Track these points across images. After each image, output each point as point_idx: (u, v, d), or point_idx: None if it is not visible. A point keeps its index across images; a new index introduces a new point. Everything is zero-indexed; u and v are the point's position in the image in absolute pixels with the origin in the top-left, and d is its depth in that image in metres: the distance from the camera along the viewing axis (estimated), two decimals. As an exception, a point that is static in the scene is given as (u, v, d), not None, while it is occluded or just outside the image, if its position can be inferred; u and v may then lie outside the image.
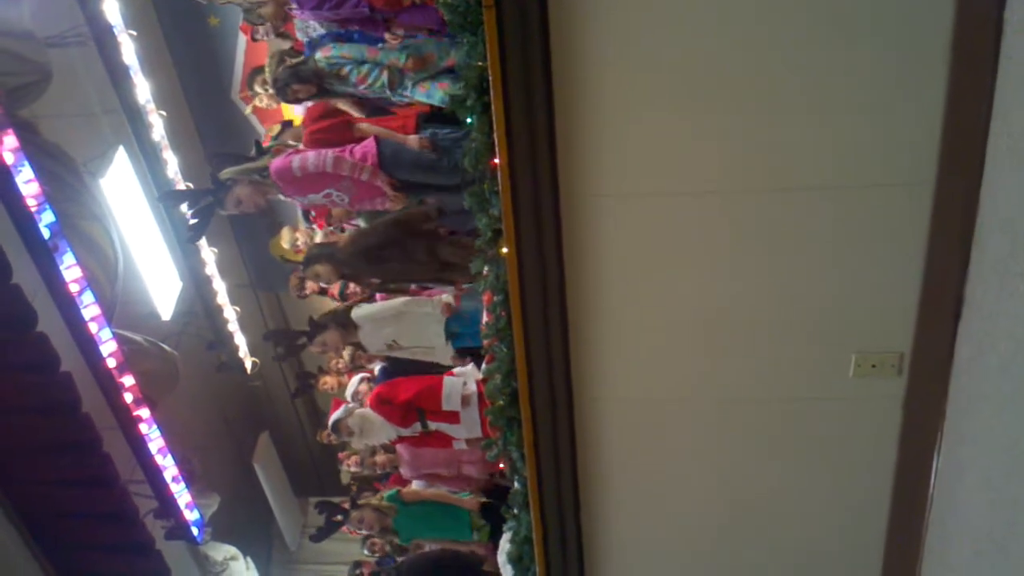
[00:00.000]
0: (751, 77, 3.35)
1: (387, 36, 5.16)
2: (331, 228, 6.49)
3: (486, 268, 4.10)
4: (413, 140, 5.00)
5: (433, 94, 4.95)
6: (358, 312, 5.63)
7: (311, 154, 5.06)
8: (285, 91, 5.34)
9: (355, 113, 5.42)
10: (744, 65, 3.33)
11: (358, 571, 7.26)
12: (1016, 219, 2.95)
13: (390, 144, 5.02)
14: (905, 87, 3.29)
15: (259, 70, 6.13)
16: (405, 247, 5.30)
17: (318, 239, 6.80)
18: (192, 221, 5.27)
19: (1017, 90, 2.94)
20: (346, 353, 7.29)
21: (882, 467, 4.03)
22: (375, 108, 5.44)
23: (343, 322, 5.61)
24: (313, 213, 6.81)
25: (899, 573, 4.18)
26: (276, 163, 5.09)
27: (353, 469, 7.12)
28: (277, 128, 6.56)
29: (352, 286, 6.46)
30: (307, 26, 5.56)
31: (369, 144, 5.00)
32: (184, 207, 5.36)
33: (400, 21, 5.19)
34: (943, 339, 3.57)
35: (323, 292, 7.13)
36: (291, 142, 5.78)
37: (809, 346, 3.83)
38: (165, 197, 6.53)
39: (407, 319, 5.51)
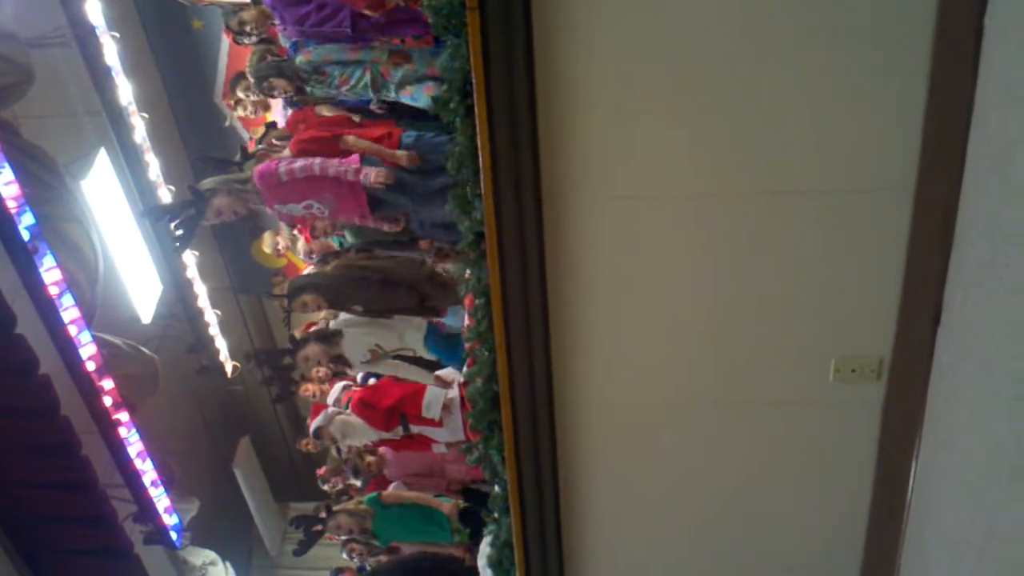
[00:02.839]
0: (734, 82, 3.36)
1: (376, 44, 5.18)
2: (317, 239, 6.45)
3: (468, 271, 4.10)
4: (402, 156, 4.98)
5: (418, 97, 4.95)
6: (337, 320, 5.63)
7: (299, 160, 5.04)
8: (262, 83, 5.34)
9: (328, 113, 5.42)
10: (727, 70, 3.34)
11: (339, 577, 7.23)
12: (995, 225, 2.96)
13: (370, 162, 5.00)
14: (886, 92, 3.30)
15: (241, 75, 6.11)
16: (391, 285, 5.33)
17: (300, 245, 6.78)
18: (177, 233, 5.25)
19: (997, 96, 2.96)
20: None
21: (861, 471, 4.04)
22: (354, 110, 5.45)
23: (324, 335, 5.60)
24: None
25: (878, 577, 4.20)
26: (261, 167, 5.06)
27: (338, 487, 7.09)
28: (261, 131, 6.54)
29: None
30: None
31: (352, 160, 4.99)
32: (167, 220, 5.33)
33: (382, 38, 5.19)
34: (923, 344, 3.59)
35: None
36: (276, 141, 5.76)
37: (788, 350, 3.84)
38: (148, 213, 6.50)
39: (388, 322, 5.51)
